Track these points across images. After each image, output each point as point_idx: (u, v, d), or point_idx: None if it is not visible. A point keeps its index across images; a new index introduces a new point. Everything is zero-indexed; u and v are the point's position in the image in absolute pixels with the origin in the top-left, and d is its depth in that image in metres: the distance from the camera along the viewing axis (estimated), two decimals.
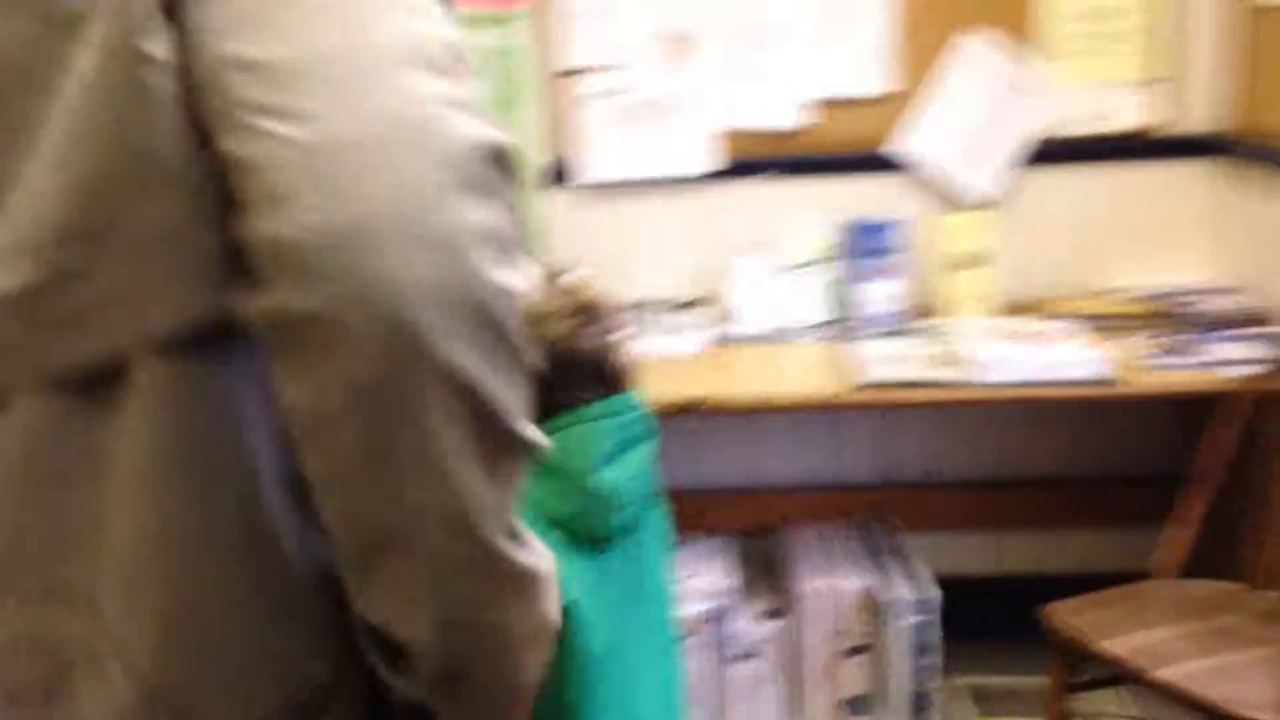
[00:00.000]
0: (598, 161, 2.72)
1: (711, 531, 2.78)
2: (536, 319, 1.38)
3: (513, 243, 0.62)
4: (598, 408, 1.40)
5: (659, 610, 1.52)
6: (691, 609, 2.44)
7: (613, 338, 1.46)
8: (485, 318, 0.60)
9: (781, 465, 2.88)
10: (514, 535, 0.68)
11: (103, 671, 0.68)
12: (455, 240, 0.58)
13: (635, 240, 2.78)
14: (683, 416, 2.48)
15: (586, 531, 1.38)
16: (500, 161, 0.62)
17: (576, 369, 1.40)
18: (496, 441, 0.63)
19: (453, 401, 0.60)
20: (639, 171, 2.73)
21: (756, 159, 2.72)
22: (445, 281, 0.58)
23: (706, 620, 2.46)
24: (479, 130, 0.61)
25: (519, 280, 0.62)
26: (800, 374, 2.40)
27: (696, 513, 2.82)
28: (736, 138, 2.72)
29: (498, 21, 2.57)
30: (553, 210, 2.72)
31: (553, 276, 1.46)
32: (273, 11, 0.60)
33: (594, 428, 1.39)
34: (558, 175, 2.72)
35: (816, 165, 2.72)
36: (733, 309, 2.65)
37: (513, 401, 0.64)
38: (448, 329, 0.58)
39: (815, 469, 2.88)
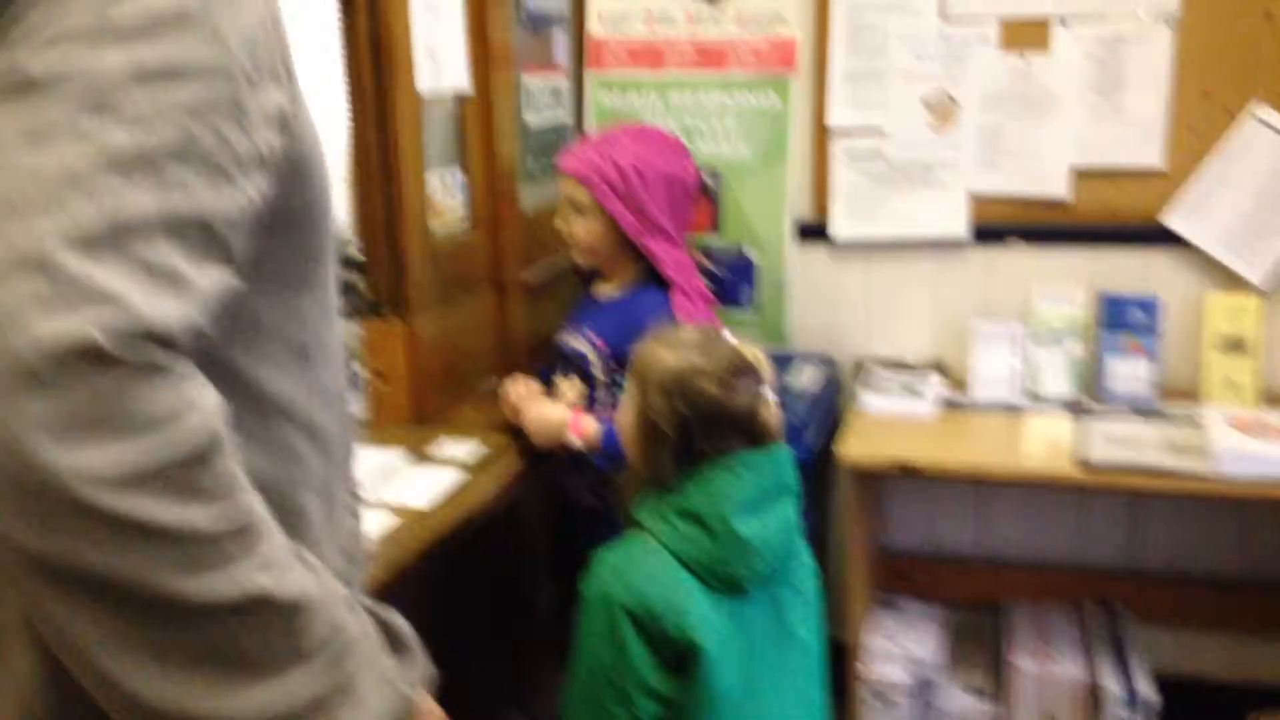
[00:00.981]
0: (855, 219, 2.81)
1: (930, 597, 2.78)
2: (691, 374, 1.51)
3: (99, 423, 0.64)
4: (743, 458, 1.51)
5: (802, 660, 1.59)
6: (896, 675, 2.46)
7: (762, 395, 1.56)
8: (42, 496, 0.63)
9: (1011, 538, 2.83)
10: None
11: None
12: (3, 430, 0.62)
13: (883, 298, 2.83)
14: (907, 478, 2.53)
15: (723, 576, 1.49)
16: (86, 351, 0.63)
17: (725, 423, 1.52)
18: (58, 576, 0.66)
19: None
20: (894, 231, 2.79)
21: (1013, 225, 2.71)
22: None
23: (910, 690, 2.46)
24: (64, 326, 0.63)
25: (101, 457, 0.64)
26: (1028, 447, 2.37)
27: (917, 577, 2.83)
28: (995, 203, 2.72)
29: (769, 84, 2.72)
30: (808, 264, 2.82)
31: (709, 336, 1.59)
32: None
33: (738, 475, 1.50)
34: (817, 230, 2.82)
35: (1076, 235, 2.67)
36: (971, 375, 2.65)
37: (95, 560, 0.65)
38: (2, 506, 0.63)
39: (1047, 546, 2.80)
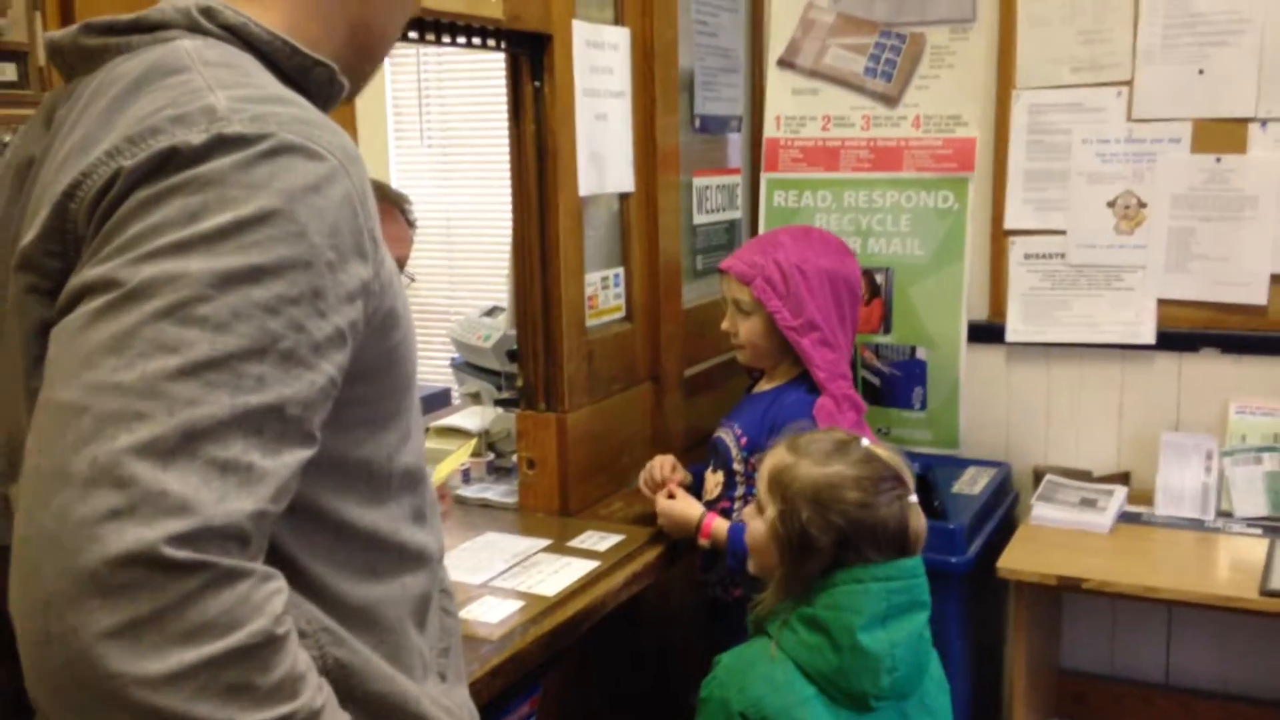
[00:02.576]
0: (1032, 322, 2.72)
1: None
2: (840, 483, 1.51)
3: (159, 629, 0.68)
4: (876, 569, 1.48)
5: None
6: None
7: (908, 501, 1.53)
8: (104, 698, 0.68)
9: (1203, 667, 2.62)
10: None
11: None
12: (73, 638, 0.68)
13: (1064, 404, 2.72)
14: (1086, 595, 2.39)
15: (848, 689, 1.46)
16: (154, 561, 0.68)
17: (878, 532, 1.50)
18: None
19: None
20: (1075, 336, 2.68)
21: (1205, 332, 2.56)
22: (57, 671, 0.68)
23: None
24: (133, 537, 0.68)
25: (160, 662, 0.68)
26: (1212, 569, 2.21)
27: (1095, 701, 2.66)
28: (1185, 308, 2.58)
29: (945, 184, 2.69)
30: (983, 366, 2.75)
31: (847, 443, 1.57)
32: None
33: (868, 589, 1.47)
34: (992, 333, 2.75)
35: (1273, 344, 2.50)
36: (1156, 489, 2.50)
37: None
38: (57, 706, 0.70)
39: (1246, 678, 2.57)
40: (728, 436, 2.13)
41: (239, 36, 0.86)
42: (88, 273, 0.75)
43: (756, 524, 1.61)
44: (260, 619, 0.72)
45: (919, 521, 1.55)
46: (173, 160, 0.75)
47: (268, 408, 0.74)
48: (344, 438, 0.86)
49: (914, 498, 1.55)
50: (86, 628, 0.67)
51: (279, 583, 0.75)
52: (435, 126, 4.44)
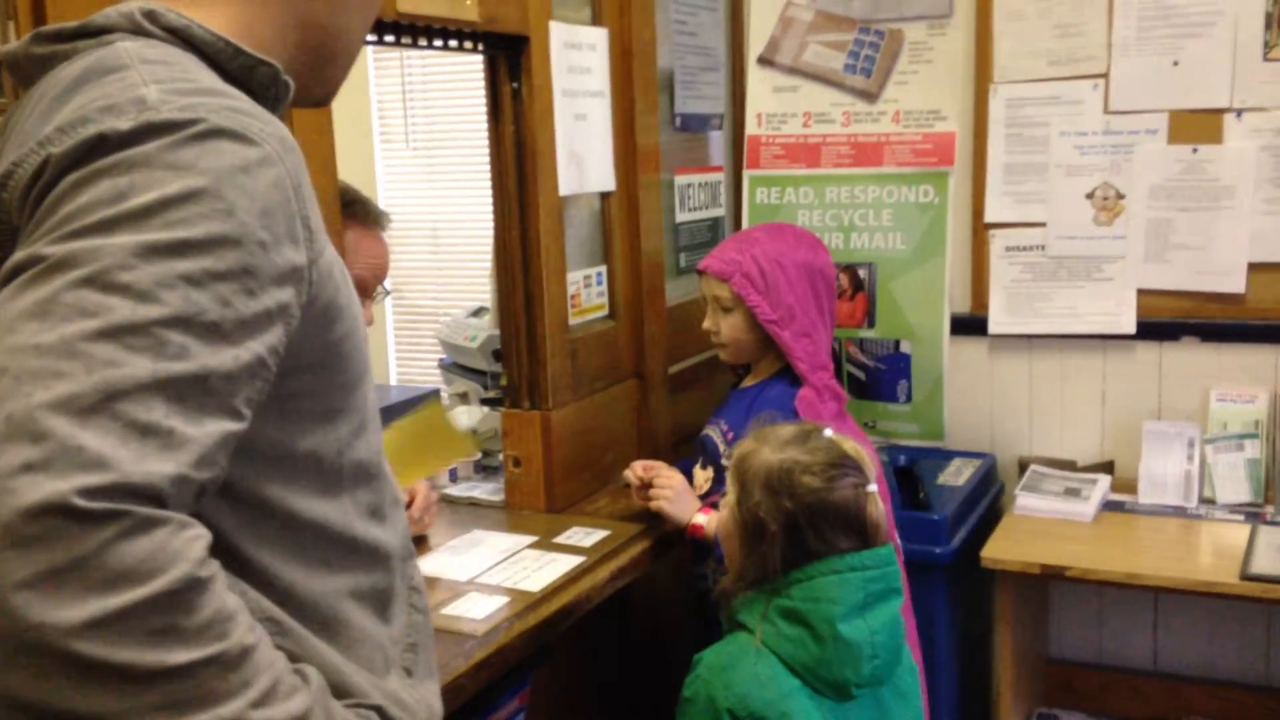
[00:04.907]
0: (1014, 314, 2.74)
1: (1097, 712, 2.63)
2: (792, 468, 1.52)
3: (77, 577, 0.69)
4: (852, 559, 1.50)
5: None
6: None
7: (867, 490, 1.55)
8: (25, 648, 0.68)
9: (1191, 653, 2.64)
10: None
11: None
12: None
13: (1047, 394, 2.74)
14: (1069, 584, 2.41)
15: (829, 679, 1.47)
16: (67, 511, 0.69)
17: (832, 518, 1.51)
18: None
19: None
20: (1056, 327, 2.71)
21: (1185, 321, 2.58)
22: None
23: None
24: (47, 489, 0.69)
25: (80, 609, 0.69)
26: (1193, 555, 2.24)
27: (1083, 689, 2.68)
28: (1165, 297, 2.60)
29: (926, 179, 2.71)
30: (966, 359, 2.77)
31: (809, 432, 1.59)
32: None
33: (845, 579, 1.49)
34: (974, 325, 2.77)
35: (1254, 332, 2.52)
36: (1139, 477, 2.52)
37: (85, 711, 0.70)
38: None
39: (1231, 664, 2.60)
40: (715, 433, 2.15)
41: (181, 38, 0.87)
42: (18, 254, 0.76)
43: (722, 513, 1.64)
44: (182, 564, 0.72)
45: (877, 510, 1.55)
46: (101, 146, 0.77)
47: (191, 376, 0.75)
48: (290, 429, 0.88)
49: (873, 487, 1.56)
50: (4, 578, 0.68)
51: (198, 529, 0.75)
52: (420, 129, 4.45)
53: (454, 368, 2.93)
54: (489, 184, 2.16)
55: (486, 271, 3.60)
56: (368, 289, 1.92)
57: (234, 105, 0.82)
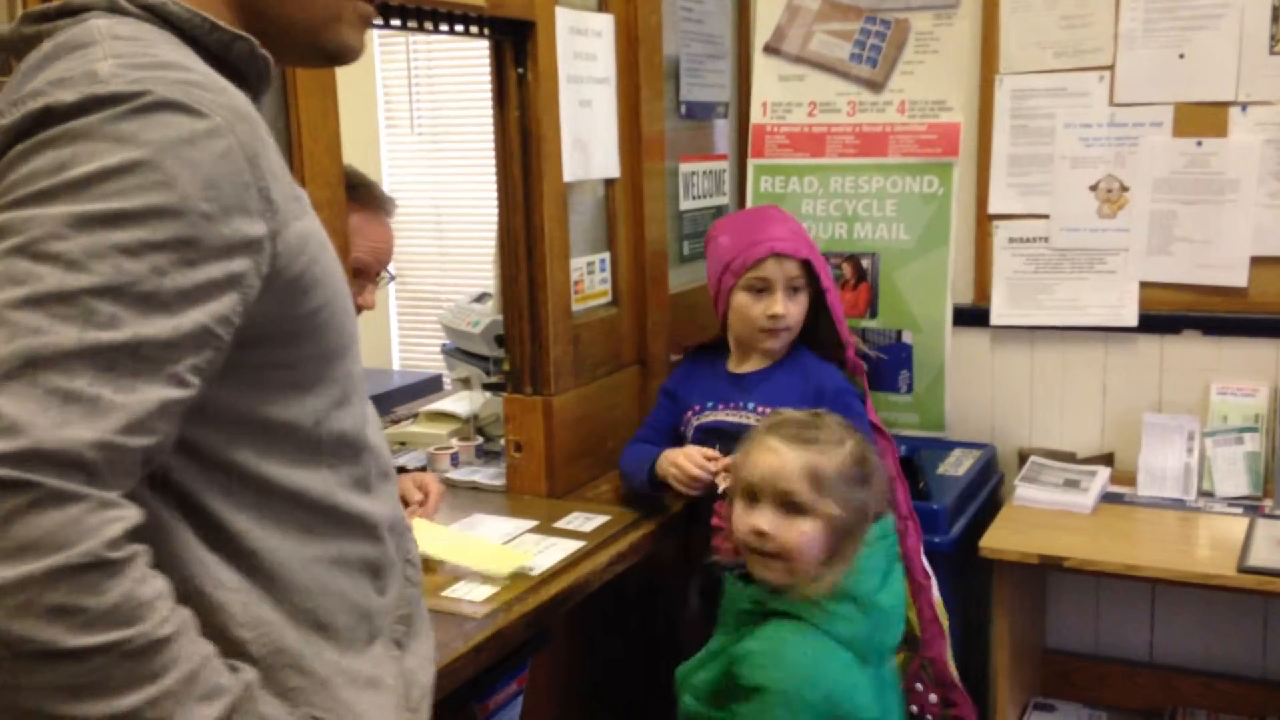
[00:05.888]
0: (1017, 306, 2.75)
1: (1094, 702, 2.64)
2: (867, 455, 1.59)
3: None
4: (873, 529, 1.53)
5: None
6: None
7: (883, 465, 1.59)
8: None
9: (1188, 644, 2.65)
10: None
11: None
12: None
13: (1048, 386, 2.75)
14: (1068, 574, 2.42)
15: (875, 647, 1.53)
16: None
17: (889, 488, 1.56)
18: None
19: None
20: (1058, 319, 2.71)
21: (1187, 314, 2.59)
22: None
23: None
24: None
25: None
26: (1192, 547, 2.24)
27: (1080, 679, 2.69)
28: (1167, 290, 2.60)
29: (930, 169, 2.71)
30: (968, 350, 2.77)
31: (824, 418, 1.61)
32: None
33: (874, 549, 1.52)
34: (976, 316, 2.78)
35: (1256, 325, 2.52)
36: (1138, 469, 2.53)
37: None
38: None
39: (1229, 656, 2.61)
40: (750, 419, 2.08)
41: (158, 15, 0.88)
42: None
43: (800, 531, 1.55)
44: (89, 541, 0.71)
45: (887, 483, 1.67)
46: (46, 118, 0.78)
47: (121, 344, 0.75)
48: (263, 397, 0.89)
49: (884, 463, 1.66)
50: None
51: (121, 511, 0.75)
52: (425, 114, 4.45)
53: (456, 353, 2.94)
54: (493, 170, 2.17)
55: (490, 257, 3.61)
56: (370, 273, 1.92)
57: (187, 78, 0.82)
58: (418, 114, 4.46)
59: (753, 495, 1.58)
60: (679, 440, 2.15)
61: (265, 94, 0.98)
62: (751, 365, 2.17)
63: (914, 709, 2.11)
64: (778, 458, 1.57)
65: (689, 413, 2.16)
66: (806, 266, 2.07)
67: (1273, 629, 2.57)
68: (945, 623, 2.13)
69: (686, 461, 1.99)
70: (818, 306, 2.13)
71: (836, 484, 1.55)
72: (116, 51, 0.82)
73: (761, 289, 2.06)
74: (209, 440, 0.86)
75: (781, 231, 2.10)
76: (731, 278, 2.08)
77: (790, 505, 1.55)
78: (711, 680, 1.60)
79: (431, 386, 3.68)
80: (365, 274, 1.90)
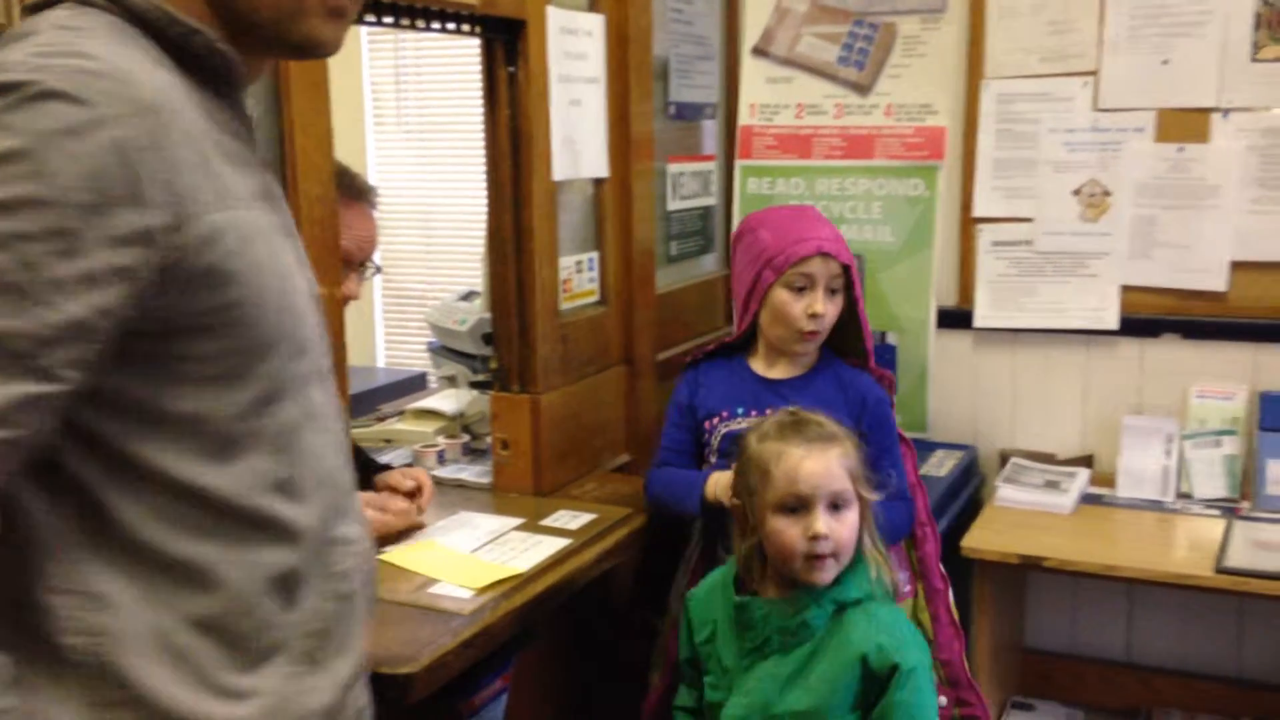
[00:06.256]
0: (1000, 308, 2.77)
1: (1072, 701, 2.66)
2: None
3: None
4: None
5: None
6: None
7: None
8: None
9: (1164, 645, 2.68)
10: None
11: None
12: None
13: (1030, 388, 2.78)
14: (1046, 574, 2.45)
15: None
16: None
17: None
18: None
19: None
20: (1040, 322, 2.74)
21: (1167, 318, 2.62)
22: None
23: None
24: None
25: None
26: (1169, 548, 2.27)
27: (1058, 678, 2.72)
28: (1148, 294, 2.64)
29: (916, 172, 2.74)
30: (951, 351, 2.79)
31: (809, 414, 1.64)
32: None
33: None
34: (960, 318, 2.80)
35: (1234, 330, 2.56)
36: (1118, 471, 2.56)
37: None
38: None
39: (1205, 656, 2.64)
40: None
41: (121, 7, 0.88)
42: None
43: (849, 525, 1.57)
44: None
45: None
46: None
47: None
48: (174, 391, 0.88)
49: None
50: None
51: None
52: (413, 111, 4.45)
53: (443, 351, 2.95)
54: (481, 167, 2.17)
55: (478, 255, 3.61)
56: (352, 262, 1.92)
57: (86, 67, 0.81)
58: (405, 111, 4.46)
59: (797, 505, 1.56)
60: (702, 454, 2.08)
61: (238, 89, 0.97)
62: (784, 370, 2.08)
63: None
64: (820, 462, 1.56)
65: (714, 419, 2.06)
66: (845, 271, 2.03)
67: (1248, 629, 2.60)
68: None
69: None
70: (844, 314, 2.07)
71: (862, 471, 1.59)
72: (46, 41, 0.82)
73: (803, 287, 1.99)
74: (111, 432, 0.86)
75: (828, 232, 2.06)
76: (773, 273, 2.00)
77: (837, 503, 1.56)
78: (813, 705, 1.56)
79: (416, 384, 3.68)
80: (349, 264, 1.90)
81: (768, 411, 1.96)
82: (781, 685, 1.56)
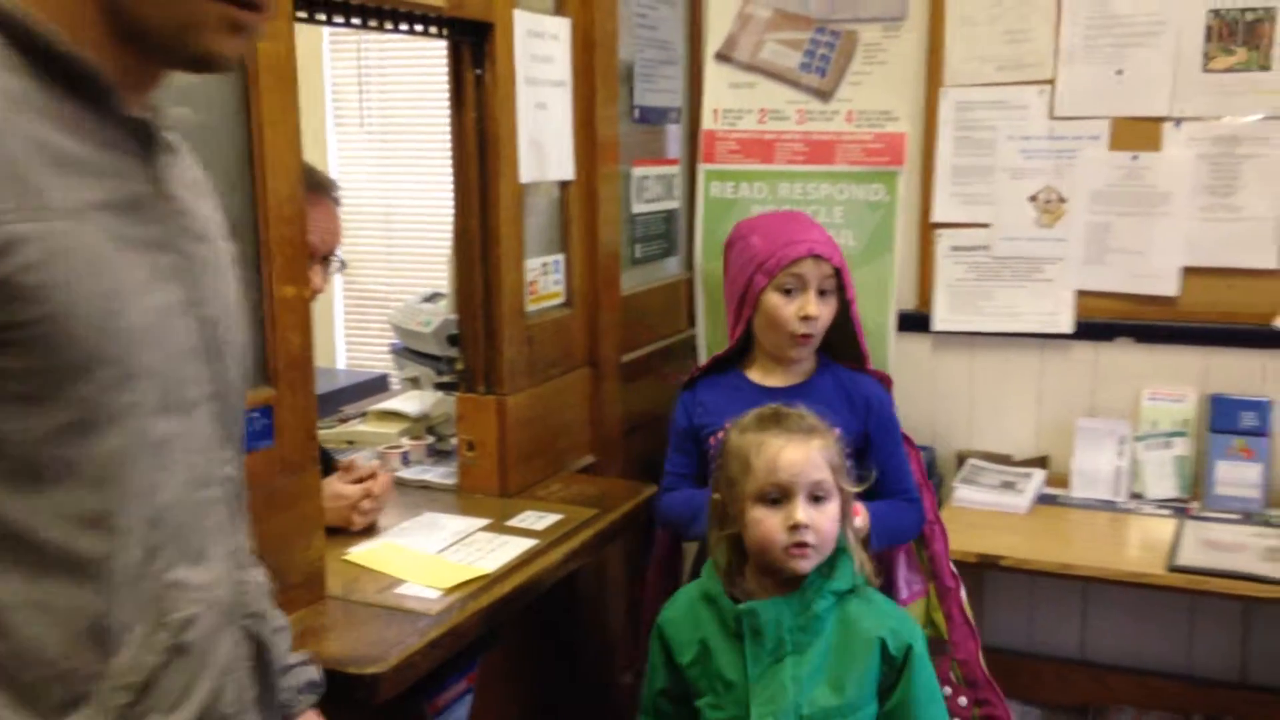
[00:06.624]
0: (958, 312, 2.82)
1: (1027, 698, 2.71)
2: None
3: None
4: None
5: None
6: None
7: None
8: None
9: (1117, 643, 2.74)
10: None
11: None
12: None
13: (987, 391, 2.82)
14: (1002, 573, 2.49)
15: None
16: None
17: None
18: None
19: None
20: (997, 325, 2.78)
21: (1120, 322, 2.68)
22: None
23: None
24: None
25: None
26: (1122, 547, 2.32)
27: (1015, 676, 2.76)
28: (1102, 299, 2.69)
29: (877, 178, 2.77)
30: (910, 354, 2.84)
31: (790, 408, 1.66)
32: None
33: None
34: (919, 322, 2.84)
35: (1186, 334, 2.62)
36: (1072, 472, 2.61)
37: None
38: None
39: (1155, 654, 2.70)
40: None
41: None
42: None
43: (829, 516, 1.59)
44: None
45: None
46: None
47: None
48: None
49: None
50: None
51: None
52: (375, 112, 4.44)
53: (406, 353, 2.94)
54: (445, 169, 2.18)
55: (439, 257, 3.61)
56: (316, 255, 1.91)
57: None
58: (367, 112, 4.45)
59: (778, 495, 1.57)
60: (707, 472, 1.99)
61: (107, 96, 0.90)
62: (784, 378, 2.08)
63: None
64: (801, 452, 1.57)
65: (718, 435, 1.98)
66: (837, 275, 2.04)
67: (1199, 627, 2.66)
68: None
69: None
70: (838, 317, 2.08)
71: (841, 462, 1.61)
72: None
73: (794, 289, 1.99)
74: None
75: (818, 235, 2.06)
76: (764, 277, 2.00)
77: (817, 494, 1.58)
78: (845, 701, 1.56)
79: (378, 386, 3.68)
80: (312, 257, 1.89)
81: None
82: (805, 685, 1.56)
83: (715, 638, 1.62)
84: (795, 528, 1.55)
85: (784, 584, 1.59)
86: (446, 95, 2.14)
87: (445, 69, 2.13)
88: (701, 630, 1.63)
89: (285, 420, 1.63)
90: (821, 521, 1.57)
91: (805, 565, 1.57)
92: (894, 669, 1.57)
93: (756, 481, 1.58)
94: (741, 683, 1.58)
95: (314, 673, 1.26)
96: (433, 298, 2.94)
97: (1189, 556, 2.17)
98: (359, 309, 4.60)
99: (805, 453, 1.57)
